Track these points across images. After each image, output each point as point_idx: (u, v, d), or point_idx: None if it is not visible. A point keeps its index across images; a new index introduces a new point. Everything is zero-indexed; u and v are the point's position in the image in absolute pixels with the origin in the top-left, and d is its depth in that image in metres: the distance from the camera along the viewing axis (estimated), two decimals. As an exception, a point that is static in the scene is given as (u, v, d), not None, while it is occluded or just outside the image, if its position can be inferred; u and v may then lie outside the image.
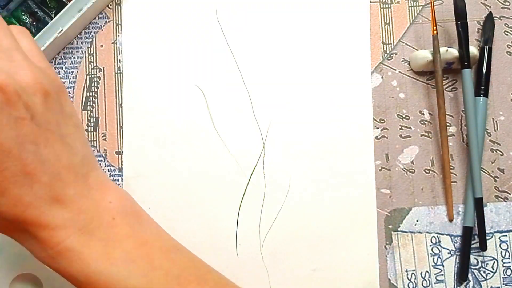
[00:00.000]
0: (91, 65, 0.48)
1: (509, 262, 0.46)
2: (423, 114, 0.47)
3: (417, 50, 0.48)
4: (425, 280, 0.46)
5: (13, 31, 0.31)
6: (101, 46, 0.48)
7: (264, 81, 0.47)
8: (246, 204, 0.46)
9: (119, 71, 0.48)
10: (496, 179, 0.47)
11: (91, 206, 0.30)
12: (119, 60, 0.48)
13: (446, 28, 0.48)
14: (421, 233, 0.46)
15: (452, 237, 0.46)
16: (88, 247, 0.28)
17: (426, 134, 0.47)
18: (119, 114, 0.47)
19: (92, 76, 0.48)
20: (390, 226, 0.46)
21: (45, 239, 0.28)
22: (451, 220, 0.46)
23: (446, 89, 0.48)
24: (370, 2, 0.48)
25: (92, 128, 0.47)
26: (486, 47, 0.47)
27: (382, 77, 0.48)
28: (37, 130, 0.28)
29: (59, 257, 0.28)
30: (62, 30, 0.46)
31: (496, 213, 0.46)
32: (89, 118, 0.47)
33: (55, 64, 0.48)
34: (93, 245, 0.29)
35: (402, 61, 0.48)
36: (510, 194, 0.47)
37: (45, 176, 0.28)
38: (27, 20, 0.47)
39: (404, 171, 0.47)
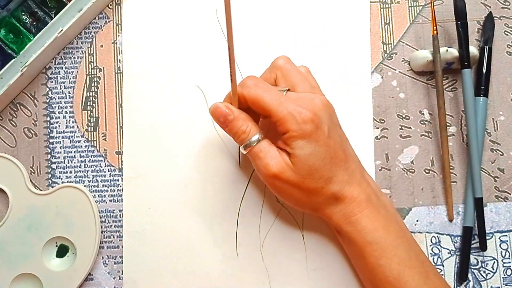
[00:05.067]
0: (91, 65, 0.48)
1: (509, 262, 0.46)
2: (423, 114, 0.47)
3: (417, 50, 0.48)
4: (425, 280, 0.46)
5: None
6: (101, 46, 0.48)
7: (264, 81, 0.47)
8: (246, 204, 0.46)
9: (119, 71, 0.48)
10: (496, 179, 0.47)
11: (372, 191, 0.41)
12: (119, 60, 0.48)
13: (446, 28, 0.48)
14: (421, 233, 0.46)
15: (452, 237, 0.46)
16: (374, 221, 0.39)
17: (426, 134, 0.47)
18: (119, 114, 0.47)
19: (92, 76, 0.48)
20: (390, 226, 0.46)
21: (348, 209, 0.40)
22: (451, 220, 0.46)
23: (446, 89, 0.48)
24: (370, 2, 0.48)
25: (92, 128, 0.47)
26: (486, 47, 0.47)
27: (382, 77, 0.48)
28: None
29: (351, 224, 0.40)
30: (62, 30, 0.46)
31: (496, 213, 0.46)
32: (89, 118, 0.47)
33: (55, 64, 0.48)
34: (377, 220, 0.39)
35: (402, 61, 0.48)
36: (510, 194, 0.47)
37: (353, 164, 0.41)
38: (27, 20, 0.47)
39: (404, 171, 0.47)
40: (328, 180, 0.39)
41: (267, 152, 0.39)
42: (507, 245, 0.46)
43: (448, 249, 0.46)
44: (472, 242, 0.46)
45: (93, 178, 0.47)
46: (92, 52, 0.48)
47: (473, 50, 0.46)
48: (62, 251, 0.46)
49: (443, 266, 0.46)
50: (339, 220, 0.40)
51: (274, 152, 0.39)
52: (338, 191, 0.40)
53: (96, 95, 0.48)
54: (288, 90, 0.41)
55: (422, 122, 0.47)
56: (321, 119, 0.39)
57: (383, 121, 0.47)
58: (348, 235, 0.40)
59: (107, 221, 0.46)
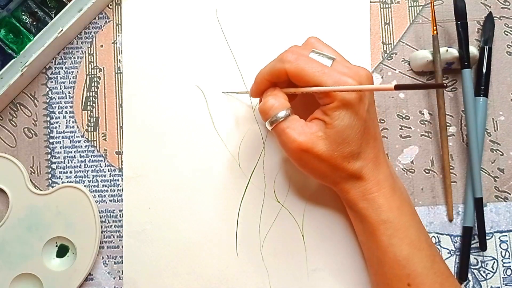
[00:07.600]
0: (91, 65, 0.48)
1: (509, 262, 0.46)
2: (423, 114, 0.47)
3: (417, 50, 0.48)
4: (425, 280, 0.46)
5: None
6: (101, 46, 0.48)
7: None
8: (246, 204, 0.46)
9: (119, 71, 0.48)
10: (496, 179, 0.47)
11: (390, 172, 0.42)
12: (119, 60, 0.48)
13: (446, 28, 0.48)
14: (421, 233, 0.46)
15: (452, 237, 0.46)
16: (390, 201, 0.40)
17: (426, 134, 0.47)
18: (119, 114, 0.47)
19: (92, 76, 0.48)
20: (390, 226, 0.46)
21: (367, 187, 0.40)
22: (451, 220, 0.46)
23: (446, 89, 0.48)
24: (370, 2, 0.48)
25: (92, 128, 0.47)
26: (486, 47, 0.47)
27: (382, 77, 0.48)
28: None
29: (367, 201, 0.40)
30: (62, 30, 0.46)
31: (496, 213, 0.46)
32: (89, 118, 0.47)
33: (55, 64, 0.48)
34: (393, 200, 0.40)
35: (402, 61, 0.48)
36: (510, 194, 0.47)
37: (379, 143, 0.41)
38: (27, 20, 0.47)
39: (404, 171, 0.47)
40: (355, 155, 0.39)
41: (295, 127, 0.39)
42: (507, 245, 0.46)
43: (448, 249, 0.46)
44: (472, 242, 0.46)
45: (93, 178, 0.47)
46: (92, 52, 0.48)
47: (473, 50, 0.46)
48: (62, 251, 0.46)
49: (443, 266, 0.46)
50: (356, 196, 0.41)
51: (303, 128, 0.39)
52: (361, 168, 0.40)
53: (96, 95, 0.48)
54: (335, 59, 0.40)
55: (422, 122, 0.47)
56: (365, 92, 0.39)
57: (383, 121, 0.47)
58: (362, 212, 0.40)
59: (107, 221, 0.46)
